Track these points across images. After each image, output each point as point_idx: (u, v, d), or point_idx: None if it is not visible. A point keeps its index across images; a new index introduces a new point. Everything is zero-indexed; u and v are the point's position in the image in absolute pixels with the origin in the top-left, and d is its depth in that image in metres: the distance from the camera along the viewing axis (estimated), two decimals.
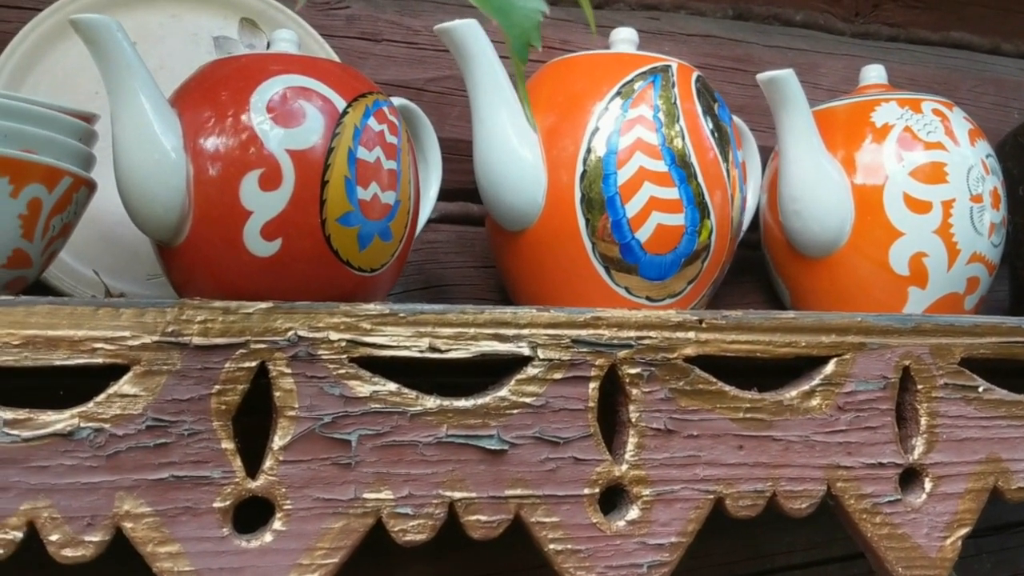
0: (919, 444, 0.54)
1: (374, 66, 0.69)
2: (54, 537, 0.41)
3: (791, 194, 0.65)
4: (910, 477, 0.54)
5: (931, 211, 0.64)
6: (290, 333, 0.44)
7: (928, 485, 0.54)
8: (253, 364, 0.44)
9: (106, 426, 0.42)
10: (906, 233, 0.64)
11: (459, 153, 0.68)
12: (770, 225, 0.70)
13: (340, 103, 0.49)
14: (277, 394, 0.44)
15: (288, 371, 0.44)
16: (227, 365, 0.43)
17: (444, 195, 0.70)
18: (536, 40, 0.30)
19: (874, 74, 0.72)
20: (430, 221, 0.70)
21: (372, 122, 0.50)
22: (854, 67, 0.77)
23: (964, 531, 0.54)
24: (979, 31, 0.90)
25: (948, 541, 0.53)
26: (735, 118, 0.67)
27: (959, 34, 0.89)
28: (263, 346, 0.44)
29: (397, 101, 0.58)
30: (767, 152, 0.74)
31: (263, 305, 0.44)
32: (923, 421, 0.54)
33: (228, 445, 0.43)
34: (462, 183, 0.68)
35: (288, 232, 0.47)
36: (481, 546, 0.69)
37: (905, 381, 0.54)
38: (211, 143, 0.47)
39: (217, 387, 0.43)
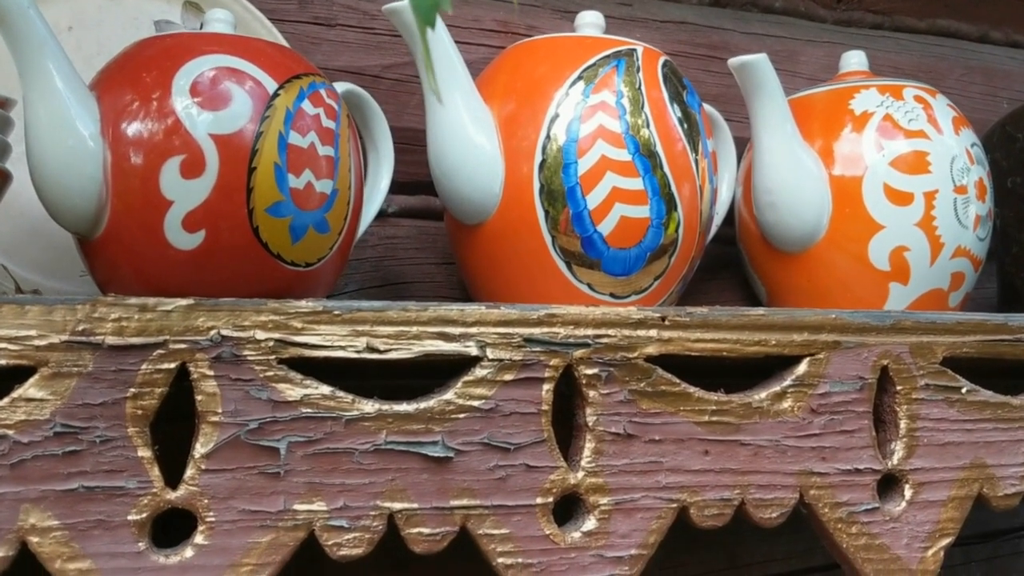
0: (898, 449, 0.50)
1: (327, 52, 0.66)
2: None
3: (765, 186, 0.61)
4: (889, 484, 0.50)
5: (912, 203, 0.61)
6: (212, 332, 0.41)
7: (908, 492, 0.50)
8: (172, 366, 0.40)
9: (10, 433, 0.38)
10: (886, 226, 0.61)
11: (419, 144, 0.65)
12: (745, 219, 0.67)
13: (271, 85, 0.45)
14: (199, 398, 0.40)
15: (211, 373, 0.41)
16: (144, 367, 0.40)
17: (404, 188, 0.67)
18: (446, 2, 0.27)
19: (855, 60, 0.69)
20: (389, 215, 0.67)
21: (306, 105, 0.46)
22: (835, 55, 0.73)
23: (947, 541, 0.51)
24: (967, 18, 0.87)
25: (930, 552, 0.50)
26: (707, 106, 0.64)
27: (946, 22, 0.86)
28: (183, 346, 0.40)
29: (343, 86, 0.55)
30: (744, 143, 0.71)
31: (183, 302, 0.40)
32: (903, 424, 0.51)
33: (145, 453, 0.40)
34: (423, 175, 0.65)
35: (212, 223, 0.44)
36: (442, 558, 0.66)
37: (883, 382, 0.50)
38: (131, 128, 0.44)
39: (132, 390, 0.40)
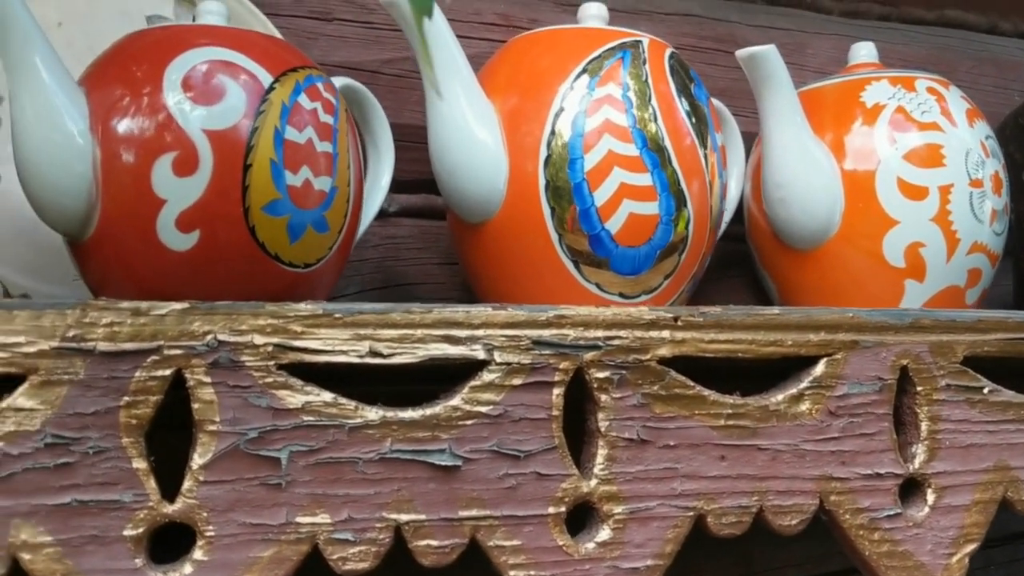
0: (920, 452, 0.49)
1: (324, 47, 0.64)
2: None
3: (775, 180, 0.60)
4: (911, 488, 0.49)
5: (927, 197, 0.59)
6: (209, 337, 0.39)
7: (931, 497, 0.49)
8: (167, 372, 0.39)
9: None
10: (900, 221, 0.59)
11: (420, 141, 0.63)
12: (755, 215, 0.65)
13: (266, 78, 0.44)
14: (196, 406, 0.39)
15: (207, 380, 0.39)
16: (137, 374, 0.38)
17: (405, 187, 0.66)
18: None
19: (864, 52, 0.67)
20: (390, 215, 0.66)
21: (303, 99, 0.44)
22: (843, 47, 0.72)
23: (972, 547, 0.49)
24: (975, 9, 0.85)
25: (954, 559, 0.49)
26: (714, 100, 0.62)
27: (954, 12, 0.85)
28: (179, 352, 0.39)
29: (341, 81, 0.53)
30: (752, 138, 0.69)
31: (178, 306, 0.39)
32: (924, 426, 0.49)
33: (140, 464, 0.38)
34: (424, 173, 0.63)
35: (207, 222, 0.42)
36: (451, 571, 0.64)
37: (903, 383, 0.49)
38: (121, 124, 0.42)
39: (126, 399, 0.38)
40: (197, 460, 0.39)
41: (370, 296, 0.64)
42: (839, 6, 0.81)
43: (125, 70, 0.43)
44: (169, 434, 0.41)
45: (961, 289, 0.61)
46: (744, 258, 0.71)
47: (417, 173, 0.65)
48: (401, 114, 0.65)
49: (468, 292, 0.65)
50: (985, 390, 0.50)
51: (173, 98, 0.42)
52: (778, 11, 0.79)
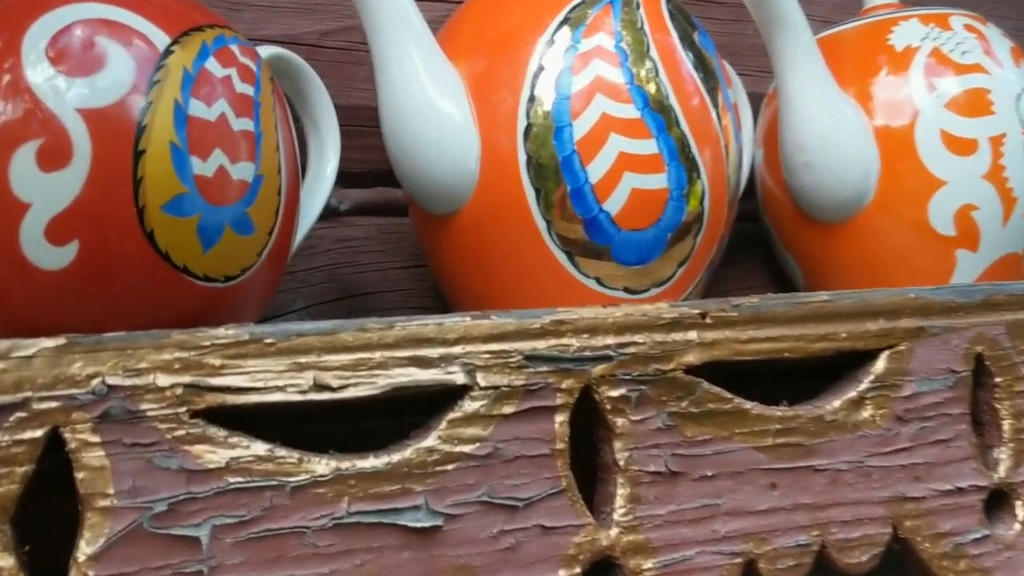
0: (1004, 457, 0.40)
1: (253, 19, 0.55)
2: None
3: (798, 142, 0.50)
4: (996, 502, 0.40)
5: (977, 151, 0.50)
6: (95, 382, 0.29)
7: (1021, 512, 0.40)
8: (39, 433, 0.29)
9: None
10: (948, 181, 0.50)
11: (371, 125, 0.54)
12: (770, 187, 0.56)
13: (161, 40, 0.34)
14: (80, 476, 0.29)
15: (95, 440, 0.29)
16: None
17: (357, 180, 0.56)
18: None
19: None
20: (341, 214, 0.56)
21: (212, 65, 0.34)
22: None
23: None
24: None
25: None
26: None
27: None
28: (54, 404, 0.29)
29: (267, 51, 0.43)
30: (757, 100, 0.60)
31: (50, 342, 0.29)
32: (1006, 425, 0.41)
33: (6, 561, 0.28)
34: (378, 163, 0.54)
35: (88, 230, 0.32)
36: None
37: (977, 375, 0.40)
38: None
39: None
40: (85, 549, 0.29)
41: (321, 312, 0.54)
42: None
43: None
44: (49, 505, 0.31)
45: (1020, 256, 0.52)
46: (756, 239, 0.62)
47: (370, 163, 0.56)
48: (348, 94, 0.56)
49: (441, 299, 0.55)
50: None
51: (34, 69, 0.31)
52: None
